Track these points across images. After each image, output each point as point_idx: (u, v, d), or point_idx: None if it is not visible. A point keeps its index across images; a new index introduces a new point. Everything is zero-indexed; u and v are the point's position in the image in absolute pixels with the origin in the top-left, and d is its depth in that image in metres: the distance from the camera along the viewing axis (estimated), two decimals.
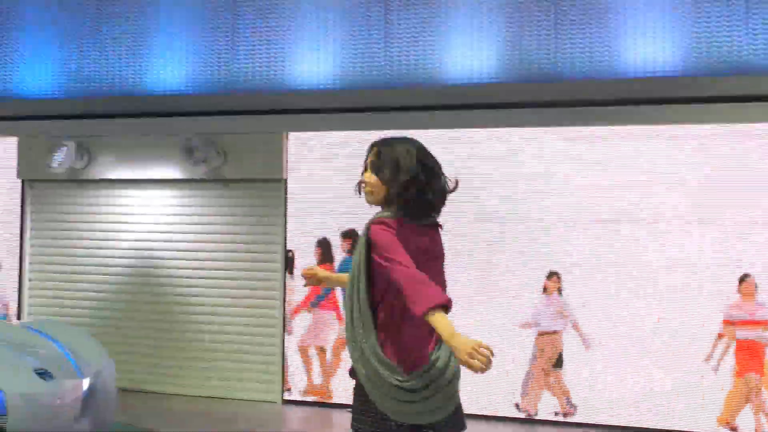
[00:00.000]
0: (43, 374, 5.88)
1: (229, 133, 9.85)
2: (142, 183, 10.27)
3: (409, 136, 4.01)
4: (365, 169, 3.92)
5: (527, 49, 9.16)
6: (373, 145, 3.94)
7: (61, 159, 10.20)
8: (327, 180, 9.48)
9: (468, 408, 8.33)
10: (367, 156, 3.95)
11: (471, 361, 3.35)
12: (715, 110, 8.49)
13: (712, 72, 8.61)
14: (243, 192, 9.93)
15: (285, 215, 9.65)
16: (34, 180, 10.72)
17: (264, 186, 9.84)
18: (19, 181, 10.76)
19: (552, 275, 8.98)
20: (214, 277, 9.97)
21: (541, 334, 8.97)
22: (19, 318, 10.46)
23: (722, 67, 8.60)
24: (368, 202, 3.93)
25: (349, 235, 9.31)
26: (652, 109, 8.65)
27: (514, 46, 9.20)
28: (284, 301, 9.56)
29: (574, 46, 9.02)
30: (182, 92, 10.21)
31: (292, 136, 9.73)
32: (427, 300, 3.49)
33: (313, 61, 9.82)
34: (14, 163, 10.74)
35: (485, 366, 3.34)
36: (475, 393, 8.89)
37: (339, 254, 9.38)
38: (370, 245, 3.75)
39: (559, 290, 8.97)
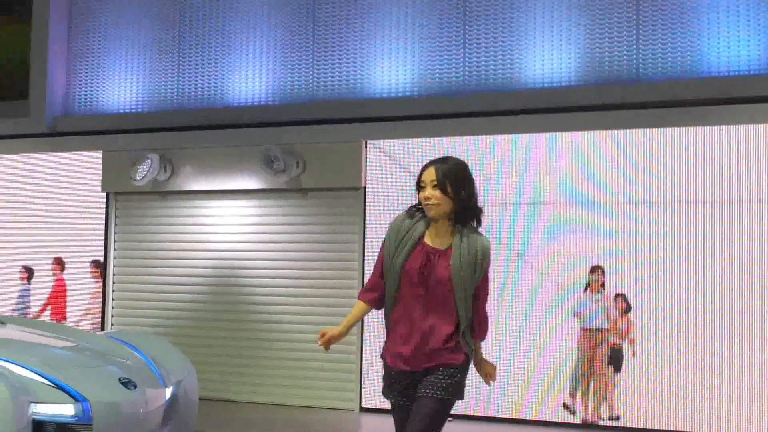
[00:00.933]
0: (127, 383, 5.94)
1: (308, 142, 9.89)
2: (223, 193, 10.37)
3: (452, 155, 4.73)
4: (422, 187, 4.50)
5: (608, 52, 9.02)
6: (429, 165, 4.51)
7: (144, 172, 10.36)
8: (405, 187, 9.45)
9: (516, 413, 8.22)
10: (421, 174, 4.52)
11: (491, 379, 4.74)
12: None
13: None
14: (322, 201, 9.97)
15: (363, 223, 9.66)
16: (118, 192, 10.89)
17: (342, 194, 9.87)
18: (103, 193, 10.94)
19: (595, 269, 8.85)
20: (293, 285, 10.03)
21: (584, 330, 8.87)
22: (103, 328, 10.63)
23: None
24: (432, 215, 4.48)
25: None
26: (734, 108, 8.45)
27: (594, 48, 9.06)
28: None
29: (655, 47, 8.86)
30: (261, 103, 10.30)
31: (371, 144, 9.72)
32: (486, 333, 4.70)
33: (391, 69, 9.82)
34: (99, 176, 10.91)
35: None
36: (522, 396, 8.82)
37: None
38: (488, 263, 4.52)
39: (603, 285, 8.84)
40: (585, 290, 8.88)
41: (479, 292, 4.53)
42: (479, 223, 4.61)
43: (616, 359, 8.74)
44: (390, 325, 4.60)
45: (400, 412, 4.61)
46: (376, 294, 4.66)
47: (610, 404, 8.67)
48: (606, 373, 8.72)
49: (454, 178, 4.45)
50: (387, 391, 4.67)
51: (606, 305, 8.81)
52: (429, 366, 4.45)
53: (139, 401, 5.88)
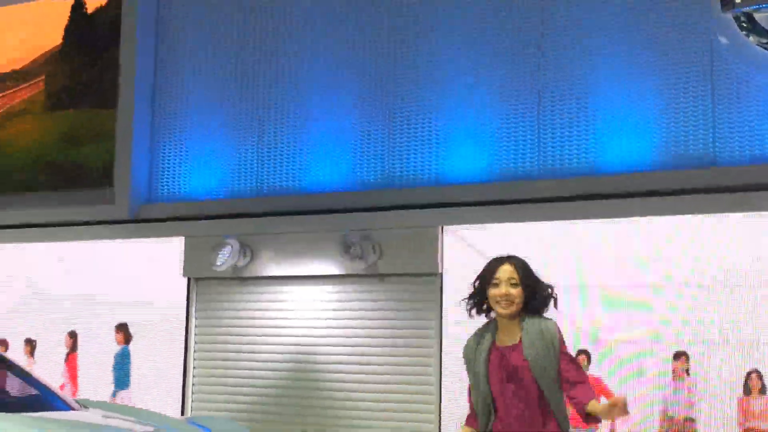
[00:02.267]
0: None
1: (385, 228, 9.96)
2: (301, 279, 10.47)
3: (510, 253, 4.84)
4: (495, 284, 4.61)
5: (683, 135, 8.99)
6: (501, 262, 4.66)
7: (225, 257, 10.51)
8: None
9: None
10: (494, 272, 4.63)
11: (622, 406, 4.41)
12: None
13: None
14: (398, 286, 10.00)
15: (441, 309, 9.65)
16: (198, 278, 11.06)
17: (419, 280, 9.88)
18: (184, 279, 11.12)
19: (680, 356, 8.69)
20: (369, 372, 10.00)
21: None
22: (182, 413, 10.71)
23: None
24: (506, 313, 4.59)
25: None
26: None
27: (669, 132, 9.04)
28: (440, 396, 9.50)
29: (732, 130, 8.81)
30: (339, 189, 10.42)
31: (447, 229, 9.77)
32: (591, 391, 4.57)
33: (467, 154, 9.87)
34: (179, 261, 11.11)
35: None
36: None
37: None
38: (559, 344, 4.56)
39: (687, 371, 8.68)
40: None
41: (566, 363, 4.57)
42: (553, 305, 4.75)
43: None
44: (488, 420, 4.60)
45: None
46: (476, 420, 4.74)
47: None
48: None
49: (529, 275, 4.63)
50: None
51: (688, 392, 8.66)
52: None
53: None
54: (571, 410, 4.57)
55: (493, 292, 4.60)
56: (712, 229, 8.73)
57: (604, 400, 4.61)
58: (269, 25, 11.13)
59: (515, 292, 4.54)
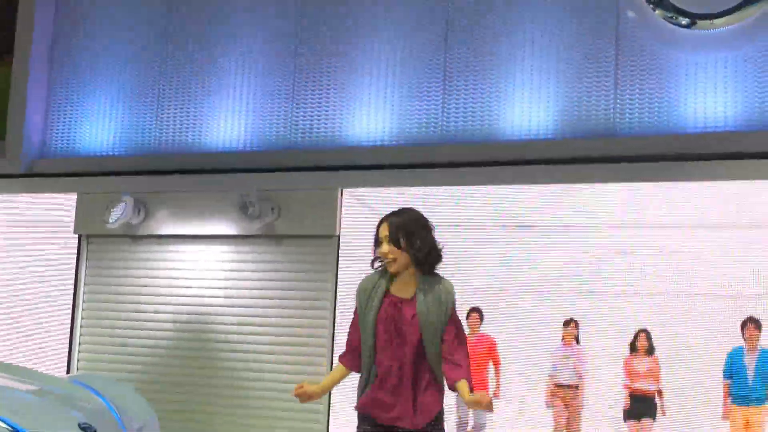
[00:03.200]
0: (86, 428, 5.81)
1: (284, 189, 9.84)
2: (196, 238, 10.29)
3: (408, 207, 4.77)
4: (380, 243, 4.59)
5: (586, 105, 9.03)
6: (383, 220, 4.63)
7: (118, 215, 10.28)
8: None
9: None
10: (378, 231, 4.62)
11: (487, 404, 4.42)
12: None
13: None
14: (296, 248, 9.90)
15: (336, 271, 9.58)
16: (90, 235, 10.78)
17: (316, 241, 9.80)
18: (75, 236, 10.83)
19: (569, 323, 8.79)
20: (263, 333, 9.91)
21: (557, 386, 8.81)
22: (68, 372, 10.47)
23: None
24: (392, 270, 4.58)
25: None
26: (711, 164, 8.45)
27: (572, 101, 9.07)
28: (332, 358, 9.45)
29: (633, 101, 8.87)
30: (238, 149, 10.25)
31: (347, 192, 9.69)
32: (467, 372, 4.56)
33: (369, 117, 9.80)
34: (71, 218, 10.81)
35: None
36: None
37: None
38: (451, 310, 4.58)
39: (577, 339, 8.80)
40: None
41: (451, 333, 4.55)
42: (437, 264, 4.69)
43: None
44: (369, 377, 4.57)
45: None
46: (354, 357, 4.74)
47: None
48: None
49: (406, 231, 4.54)
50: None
51: (576, 360, 8.76)
52: (416, 424, 4.51)
53: None
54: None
55: (378, 252, 4.59)
56: (611, 196, 8.78)
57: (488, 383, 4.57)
58: None
59: (393, 249, 4.53)
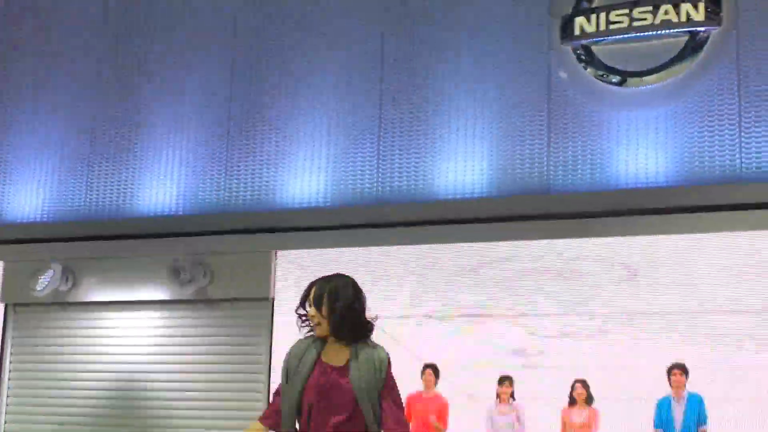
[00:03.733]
0: None
1: (217, 253, 9.71)
2: (127, 305, 10.08)
3: (341, 273, 4.56)
4: (306, 305, 4.40)
5: (519, 163, 9.06)
6: (312, 283, 4.42)
7: (46, 282, 10.07)
8: None
9: None
10: (307, 294, 4.41)
11: None
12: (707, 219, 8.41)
13: (705, 181, 8.50)
14: (229, 312, 9.74)
15: (271, 333, 9.42)
16: (17, 304, 10.51)
17: (250, 305, 9.66)
18: (1, 305, 10.55)
19: (504, 380, 8.76)
20: (197, 398, 9.68)
21: None
22: None
23: (713, 177, 8.50)
24: (317, 334, 4.39)
25: None
26: (644, 219, 8.53)
27: (506, 159, 9.10)
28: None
29: (567, 158, 8.93)
30: (168, 214, 10.10)
31: (281, 254, 9.58)
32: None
33: (303, 179, 9.73)
34: None
35: None
36: None
37: None
38: (385, 377, 4.38)
39: (512, 395, 8.76)
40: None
41: (387, 400, 4.39)
42: (367, 336, 4.50)
43: None
44: None
45: None
46: (277, 418, 4.49)
47: None
48: None
49: (329, 295, 4.35)
50: None
51: (514, 417, 8.69)
52: None
53: None
54: None
55: (307, 313, 4.51)
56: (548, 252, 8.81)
57: None
58: None
59: (313, 312, 4.35)
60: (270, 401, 4.60)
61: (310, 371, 4.41)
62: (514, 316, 8.88)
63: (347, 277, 4.53)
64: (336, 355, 4.43)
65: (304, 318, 4.50)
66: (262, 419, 4.58)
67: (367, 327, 4.47)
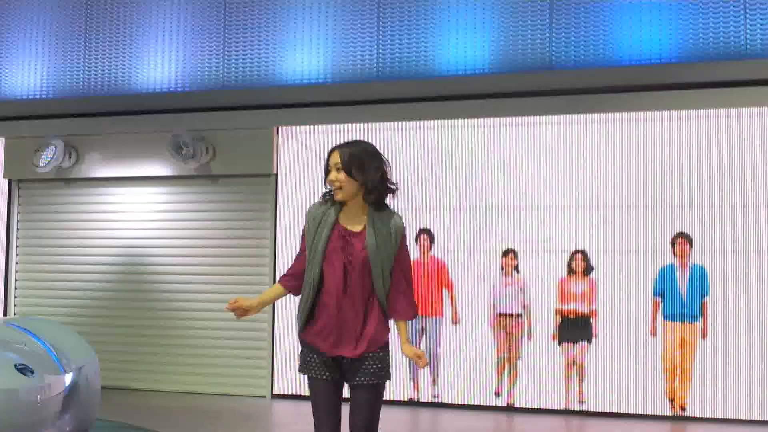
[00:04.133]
0: (23, 370, 5.72)
1: (219, 129, 9.73)
2: (130, 180, 10.15)
3: (362, 139, 4.69)
4: (329, 171, 4.51)
5: (521, 39, 9.02)
6: (334, 149, 4.54)
7: (48, 158, 10.09)
8: (317, 174, 9.29)
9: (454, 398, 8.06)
10: (329, 159, 4.53)
11: (422, 361, 4.47)
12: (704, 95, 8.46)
13: (706, 57, 8.49)
14: (232, 188, 9.82)
15: (275, 210, 9.52)
16: (21, 180, 10.58)
17: (253, 181, 9.74)
18: (5, 181, 10.63)
19: (508, 252, 8.90)
20: (203, 273, 9.86)
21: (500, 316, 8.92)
22: (4, 315, 10.31)
23: (715, 53, 8.48)
24: (339, 198, 4.52)
25: None
26: (644, 95, 8.55)
27: (507, 36, 9.05)
28: None
29: (569, 34, 8.89)
30: (171, 89, 10.08)
31: (282, 130, 9.61)
32: (411, 313, 4.58)
33: (303, 56, 9.68)
34: (0, 162, 10.61)
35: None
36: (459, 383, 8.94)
37: None
38: (400, 243, 4.52)
39: (516, 268, 8.91)
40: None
41: (398, 270, 4.53)
42: (390, 196, 4.62)
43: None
44: (312, 310, 4.53)
45: (320, 386, 4.52)
46: (297, 282, 4.66)
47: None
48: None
49: (359, 161, 4.49)
50: (305, 365, 4.57)
51: (517, 289, 8.87)
52: (357, 353, 4.46)
53: (37, 387, 5.67)
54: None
55: (327, 180, 4.54)
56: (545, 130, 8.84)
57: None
58: None
59: (341, 177, 4.46)
60: (294, 261, 4.70)
61: (329, 234, 4.53)
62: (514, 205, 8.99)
63: (368, 142, 4.66)
64: (353, 219, 4.55)
65: (332, 186, 4.57)
66: (282, 280, 4.73)
67: (392, 190, 4.60)
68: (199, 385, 9.78)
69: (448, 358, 9.03)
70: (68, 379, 6.04)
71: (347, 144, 4.58)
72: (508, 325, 8.88)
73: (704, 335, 8.35)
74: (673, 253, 8.47)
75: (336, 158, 4.49)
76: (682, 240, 8.45)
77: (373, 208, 4.54)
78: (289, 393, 9.36)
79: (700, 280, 8.41)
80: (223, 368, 9.73)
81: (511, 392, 8.84)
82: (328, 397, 4.49)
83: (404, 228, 4.57)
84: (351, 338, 4.44)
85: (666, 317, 8.51)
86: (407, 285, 4.55)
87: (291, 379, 9.31)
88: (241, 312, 4.62)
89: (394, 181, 4.61)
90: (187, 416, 8.56)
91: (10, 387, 5.53)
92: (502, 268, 8.93)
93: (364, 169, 4.48)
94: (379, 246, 4.47)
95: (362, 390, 4.43)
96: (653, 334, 8.48)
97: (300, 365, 4.57)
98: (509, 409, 8.84)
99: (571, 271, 8.77)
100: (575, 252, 8.76)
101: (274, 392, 9.48)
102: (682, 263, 8.44)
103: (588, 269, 8.71)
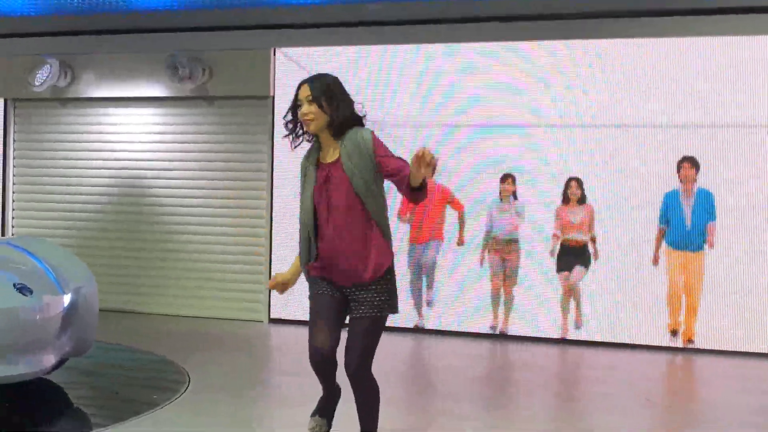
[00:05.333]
0: (22, 289, 5.76)
1: (215, 49, 9.64)
2: (126, 101, 10.08)
3: (325, 72, 4.77)
4: (299, 105, 4.60)
5: None
6: (302, 83, 4.63)
7: (43, 77, 10.01)
8: None
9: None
10: (298, 92, 4.63)
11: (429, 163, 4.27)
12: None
13: None
14: (229, 110, 9.76)
15: (272, 131, 9.47)
16: (16, 99, 10.51)
17: (251, 103, 9.68)
18: (1, 100, 10.55)
19: (506, 178, 8.86)
20: (200, 196, 9.85)
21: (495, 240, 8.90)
22: (2, 235, 10.33)
23: None
24: (311, 130, 4.62)
25: None
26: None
27: None
28: (271, 219, 9.45)
29: None
30: (167, 7, 9.95)
31: (280, 51, 9.52)
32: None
33: None
34: None
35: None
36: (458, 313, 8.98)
37: None
38: (374, 151, 4.54)
39: (515, 194, 8.86)
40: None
41: (385, 163, 4.55)
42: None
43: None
44: (312, 246, 4.60)
45: (324, 298, 4.63)
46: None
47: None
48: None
49: (328, 92, 4.59)
50: (314, 287, 4.68)
51: (514, 215, 8.86)
52: (365, 278, 4.54)
53: (35, 307, 5.72)
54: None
55: (299, 113, 4.62)
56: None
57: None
58: None
59: (312, 109, 4.55)
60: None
61: (315, 176, 4.59)
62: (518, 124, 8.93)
63: (333, 75, 4.73)
64: (330, 152, 4.62)
65: (291, 123, 4.73)
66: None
67: (359, 119, 4.71)
68: (197, 309, 9.84)
69: (445, 284, 9.09)
70: (67, 299, 6.08)
71: (315, 77, 4.68)
72: (504, 251, 8.90)
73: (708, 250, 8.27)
74: (679, 178, 8.35)
75: (306, 91, 4.58)
76: (686, 164, 8.31)
77: (341, 135, 4.62)
78: (287, 318, 9.41)
79: (705, 204, 8.25)
80: (221, 292, 9.77)
81: (506, 320, 8.87)
82: (330, 305, 4.59)
83: (372, 135, 4.61)
84: (357, 267, 4.53)
85: (669, 245, 8.43)
86: (397, 162, 4.54)
87: (289, 304, 9.35)
88: (281, 287, 4.80)
89: (361, 113, 4.72)
90: (186, 339, 8.64)
91: (9, 306, 5.58)
92: (500, 194, 8.91)
93: (333, 101, 4.57)
94: (355, 164, 4.55)
95: (363, 320, 4.52)
96: (655, 262, 8.43)
97: (310, 288, 4.69)
98: (504, 336, 8.88)
99: (566, 199, 8.72)
100: (570, 179, 8.71)
101: (272, 317, 9.55)
102: (687, 189, 8.33)
103: (583, 197, 8.64)
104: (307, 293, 4.68)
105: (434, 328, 9.06)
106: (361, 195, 4.52)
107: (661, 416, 6.33)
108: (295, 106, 4.66)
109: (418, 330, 9.08)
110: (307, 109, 4.54)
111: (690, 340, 8.34)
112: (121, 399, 6.37)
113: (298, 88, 4.63)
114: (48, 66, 10.00)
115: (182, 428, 5.41)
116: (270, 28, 9.55)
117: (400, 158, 4.56)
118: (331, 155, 4.61)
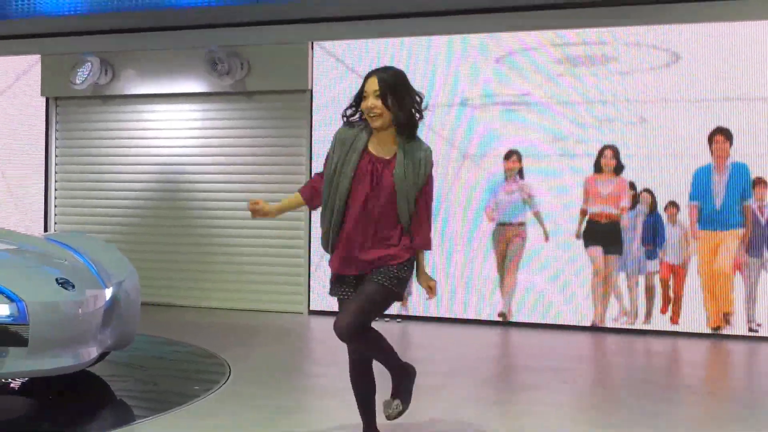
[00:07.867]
0: (64, 284, 5.81)
1: (253, 44, 9.69)
2: (166, 97, 10.17)
3: (393, 66, 4.63)
4: (365, 97, 4.46)
5: None
6: (371, 74, 4.48)
7: (84, 75, 10.12)
8: (352, 89, 9.22)
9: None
10: (365, 84, 4.47)
11: (432, 293, 4.60)
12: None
13: None
14: (268, 104, 9.81)
15: (310, 126, 9.50)
16: (58, 97, 10.64)
17: (289, 97, 9.72)
18: (43, 98, 10.69)
19: (511, 155, 8.67)
20: (238, 190, 9.91)
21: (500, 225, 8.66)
22: (45, 231, 10.45)
23: None
24: (376, 126, 4.46)
25: None
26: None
27: None
28: (310, 212, 9.48)
29: None
30: (205, 4, 10.01)
31: (317, 45, 9.54)
32: (428, 243, 4.62)
33: None
34: (37, 80, 10.65)
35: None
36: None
37: None
38: (426, 179, 4.52)
39: (521, 172, 8.59)
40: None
41: (422, 202, 4.55)
42: (416, 128, 4.61)
43: None
44: (338, 234, 4.56)
45: (345, 303, 4.62)
46: (313, 194, 4.75)
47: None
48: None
49: (395, 89, 4.46)
50: (334, 290, 4.69)
51: (519, 197, 8.59)
52: (378, 265, 4.50)
53: (77, 301, 5.75)
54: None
55: (363, 105, 4.51)
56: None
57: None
58: None
59: (379, 104, 4.42)
60: (313, 176, 4.81)
61: (358, 159, 4.52)
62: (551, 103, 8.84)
63: (400, 70, 4.59)
64: (383, 147, 4.53)
65: (350, 113, 4.60)
66: (303, 191, 4.78)
67: (420, 113, 4.59)
68: (238, 302, 9.91)
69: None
70: (108, 293, 6.13)
71: (383, 70, 4.57)
72: (510, 234, 8.65)
73: (746, 246, 7.83)
74: (711, 152, 7.90)
75: (374, 85, 4.45)
76: (720, 137, 7.86)
77: (404, 138, 4.53)
78: (327, 309, 9.43)
79: (740, 180, 7.74)
80: (261, 285, 9.83)
81: (510, 307, 8.82)
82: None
83: (433, 162, 4.57)
84: (374, 258, 4.51)
85: (699, 224, 8.03)
86: (428, 218, 4.58)
87: (328, 296, 9.34)
88: (259, 214, 4.88)
89: (423, 113, 4.61)
90: (226, 331, 8.69)
91: (51, 300, 5.62)
92: (505, 173, 8.68)
93: (400, 99, 4.46)
94: (407, 176, 4.48)
95: (372, 284, 4.47)
96: (687, 242, 8.05)
97: (330, 289, 4.72)
98: (513, 324, 8.78)
99: (599, 168, 8.33)
100: (605, 147, 8.32)
101: (311, 308, 9.58)
102: (720, 164, 7.84)
103: (618, 167, 8.22)
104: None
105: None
106: (399, 203, 4.49)
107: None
108: (360, 97, 4.53)
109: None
110: (372, 103, 4.43)
111: (727, 321, 7.98)
112: (162, 390, 6.43)
113: (365, 79, 4.50)
114: (89, 64, 10.11)
115: (223, 419, 5.44)
116: (307, 22, 9.58)
117: (429, 212, 4.57)
118: (383, 150, 4.52)
